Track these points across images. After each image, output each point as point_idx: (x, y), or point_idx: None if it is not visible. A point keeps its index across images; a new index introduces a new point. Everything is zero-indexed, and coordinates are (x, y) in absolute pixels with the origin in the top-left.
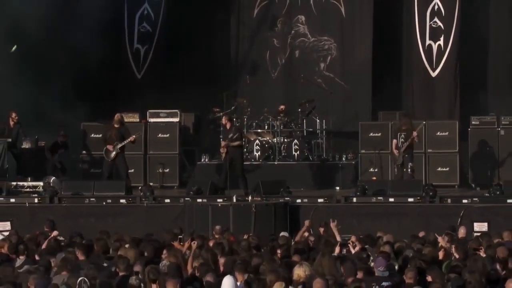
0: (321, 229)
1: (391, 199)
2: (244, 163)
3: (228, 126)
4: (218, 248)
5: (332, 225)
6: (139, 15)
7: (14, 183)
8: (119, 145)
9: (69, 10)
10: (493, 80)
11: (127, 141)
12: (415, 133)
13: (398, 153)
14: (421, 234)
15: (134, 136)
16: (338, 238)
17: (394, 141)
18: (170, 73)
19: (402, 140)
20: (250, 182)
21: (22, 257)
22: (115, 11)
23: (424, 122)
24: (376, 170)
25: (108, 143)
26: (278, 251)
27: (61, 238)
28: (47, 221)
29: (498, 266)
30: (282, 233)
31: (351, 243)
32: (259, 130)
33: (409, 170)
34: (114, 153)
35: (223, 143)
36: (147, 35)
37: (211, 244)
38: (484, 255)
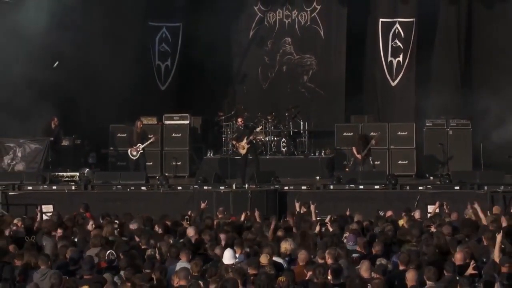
0: (304, 210)
1: (361, 187)
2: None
3: (242, 126)
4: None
5: (312, 207)
6: (159, 37)
7: (56, 173)
8: (141, 146)
9: (108, 34)
10: (443, 89)
11: (147, 143)
12: (373, 142)
13: (361, 157)
14: (389, 213)
15: (153, 139)
16: (314, 218)
17: (355, 148)
18: (182, 84)
19: (362, 147)
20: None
21: (60, 233)
22: (142, 35)
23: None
24: (348, 163)
25: (132, 145)
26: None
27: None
28: (82, 204)
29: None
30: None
31: (328, 223)
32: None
33: (371, 162)
34: (138, 152)
35: (245, 141)
36: (166, 53)
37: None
38: (435, 230)
